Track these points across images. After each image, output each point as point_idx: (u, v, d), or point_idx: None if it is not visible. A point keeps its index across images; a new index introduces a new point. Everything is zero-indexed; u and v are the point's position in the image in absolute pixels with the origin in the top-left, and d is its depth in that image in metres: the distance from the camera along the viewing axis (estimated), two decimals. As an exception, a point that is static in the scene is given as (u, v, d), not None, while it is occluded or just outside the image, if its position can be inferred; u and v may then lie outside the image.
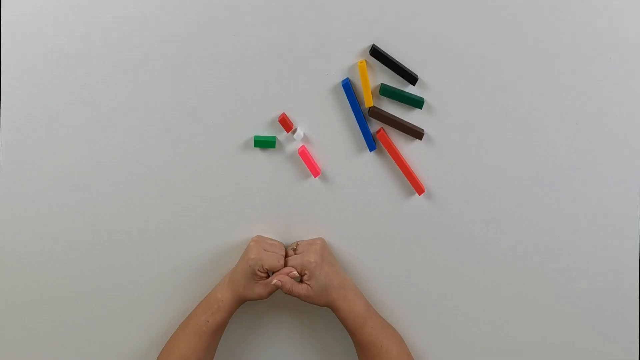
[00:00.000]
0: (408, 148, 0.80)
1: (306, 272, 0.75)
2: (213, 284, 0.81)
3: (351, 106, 0.78)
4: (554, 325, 0.85)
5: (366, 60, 0.77)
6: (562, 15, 0.76)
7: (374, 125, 0.80)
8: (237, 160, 0.81)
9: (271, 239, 0.81)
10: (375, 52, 0.76)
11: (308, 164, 0.79)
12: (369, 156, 0.80)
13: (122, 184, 0.82)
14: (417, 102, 0.78)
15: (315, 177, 0.80)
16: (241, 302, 0.78)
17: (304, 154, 0.79)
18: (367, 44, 0.77)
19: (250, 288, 0.76)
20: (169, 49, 0.78)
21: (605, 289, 0.84)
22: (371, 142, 0.79)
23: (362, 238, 0.83)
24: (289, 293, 0.76)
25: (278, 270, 0.77)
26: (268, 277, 0.77)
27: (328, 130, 0.80)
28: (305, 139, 0.80)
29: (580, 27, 0.76)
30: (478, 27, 0.76)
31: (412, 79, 0.77)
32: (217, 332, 0.78)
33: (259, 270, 0.75)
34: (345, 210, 0.82)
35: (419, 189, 0.80)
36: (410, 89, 0.78)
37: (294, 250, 0.80)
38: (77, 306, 0.86)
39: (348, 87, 0.77)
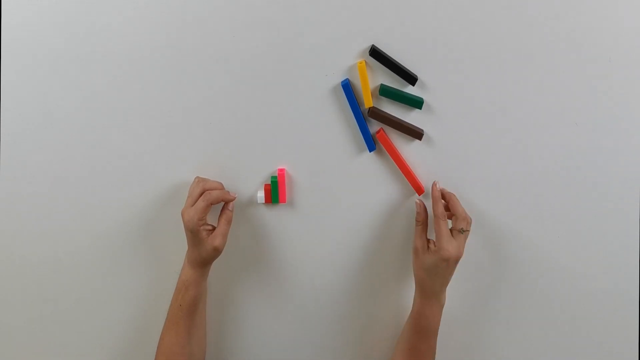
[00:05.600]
0: (408, 148, 0.80)
1: (439, 237, 0.73)
2: (216, 282, 0.82)
3: (351, 107, 0.78)
4: (554, 325, 0.85)
5: (366, 61, 0.77)
6: (561, 15, 0.76)
7: (374, 126, 0.80)
8: (233, 161, 0.81)
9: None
10: (375, 53, 0.76)
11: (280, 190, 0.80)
12: (369, 156, 0.80)
13: (122, 184, 0.82)
14: (416, 103, 0.78)
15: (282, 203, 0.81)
16: (204, 269, 0.78)
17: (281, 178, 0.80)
18: (367, 45, 0.77)
19: (202, 248, 0.75)
20: (168, 50, 0.78)
21: (605, 289, 0.84)
22: (371, 143, 0.79)
23: (362, 238, 0.83)
24: (419, 215, 0.78)
25: (209, 199, 0.74)
26: (213, 229, 0.77)
27: (328, 130, 0.80)
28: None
29: (580, 27, 0.76)
30: (478, 28, 0.76)
31: (411, 79, 0.77)
32: (193, 311, 0.78)
33: (195, 226, 0.74)
34: (344, 210, 0.82)
35: (419, 189, 0.80)
36: (409, 90, 0.78)
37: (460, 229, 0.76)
38: (76, 306, 0.86)
39: (348, 87, 0.77)
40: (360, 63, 0.76)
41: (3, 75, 0.79)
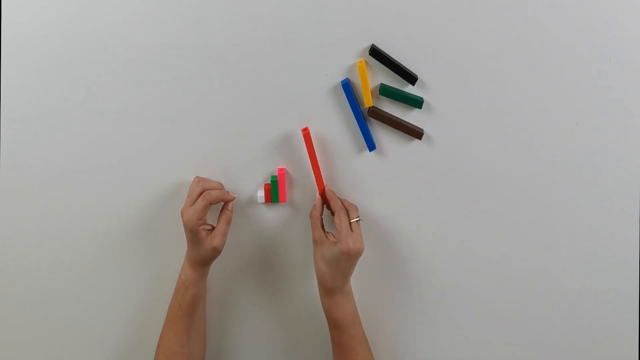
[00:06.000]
0: (408, 148, 0.80)
1: (339, 230, 0.74)
2: (216, 282, 0.81)
3: (351, 106, 0.78)
4: (554, 325, 0.85)
5: (366, 60, 0.77)
6: (561, 15, 0.76)
7: (374, 126, 0.80)
8: (234, 160, 0.81)
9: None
10: (375, 52, 0.76)
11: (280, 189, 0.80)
12: (369, 156, 0.80)
13: (122, 183, 0.82)
14: (416, 102, 0.78)
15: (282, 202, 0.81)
16: (204, 269, 0.78)
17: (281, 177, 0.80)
18: (367, 44, 0.77)
19: (201, 248, 0.75)
20: (168, 50, 0.78)
21: (605, 289, 0.83)
22: (371, 142, 0.79)
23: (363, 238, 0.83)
24: (314, 210, 0.78)
25: (209, 199, 0.75)
26: (212, 228, 0.77)
27: (328, 130, 0.80)
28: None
29: (580, 27, 0.76)
30: (478, 27, 0.76)
31: (411, 79, 0.77)
32: (193, 311, 0.78)
33: (194, 226, 0.74)
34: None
35: (320, 187, 0.80)
36: (409, 89, 0.78)
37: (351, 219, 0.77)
38: (76, 306, 0.86)
39: (348, 87, 0.77)
40: (360, 62, 0.76)
41: (3, 75, 0.80)
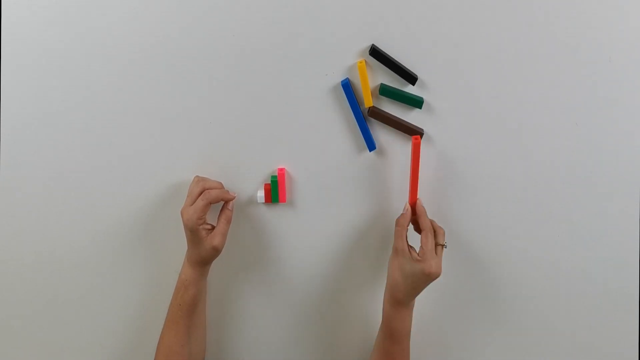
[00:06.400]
0: (408, 148, 0.80)
1: (424, 251, 0.73)
2: (216, 282, 0.81)
3: (351, 106, 0.78)
4: (554, 324, 0.85)
5: (365, 60, 0.77)
6: (561, 15, 0.76)
7: (374, 125, 0.80)
8: (234, 160, 0.81)
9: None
10: (375, 52, 0.76)
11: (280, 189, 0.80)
12: (369, 156, 0.80)
13: (122, 183, 0.82)
14: (416, 102, 0.78)
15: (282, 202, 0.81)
16: (204, 269, 0.78)
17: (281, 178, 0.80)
18: (367, 44, 0.77)
19: (201, 247, 0.75)
20: (168, 49, 0.78)
21: (605, 289, 0.83)
22: (371, 142, 0.79)
23: (362, 237, 0.83)
24: (402, 218, 0.77)
25: (206, 198, 0.74)
26: (212, 228, 0.77)
27: (328, 129, 0.80)
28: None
29: (580, 27, 0.76)
30: (478, 27, 0.76)
31: (411, 79, 0.77)
32: (192, 311, 0.78)
33: (194, 225, 0.74)
34: (345, 210, 0.82)
35: (413, 199, 0.79)
36: (409, 89, 0.78)
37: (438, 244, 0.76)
38: (76, 305, 0.86)
39: (348, 87, 0.77)
40: (360, 62, 0.76)
41: (3, 75, 0.80)
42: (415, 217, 0.79)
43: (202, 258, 0.76)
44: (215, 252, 0.76)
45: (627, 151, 0.79)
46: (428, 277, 0.73)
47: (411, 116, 0.79)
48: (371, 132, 0.79)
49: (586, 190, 0.81)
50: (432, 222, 0.78)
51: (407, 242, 0.76)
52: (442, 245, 0.76)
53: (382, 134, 0.80)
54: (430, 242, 0.74)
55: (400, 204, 0.81)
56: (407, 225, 0.77)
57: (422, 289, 0.75)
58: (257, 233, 0.83)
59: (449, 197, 0.81)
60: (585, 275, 0.83)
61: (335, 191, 0.81)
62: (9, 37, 0.78)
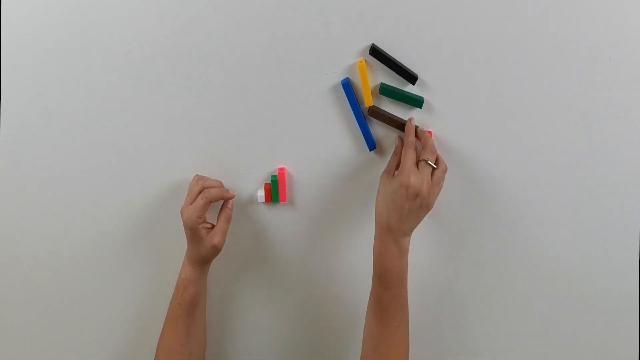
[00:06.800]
0: (408, 148, 0.80)
1: (402, 164, 0.71)
2: (216, 281, 0.81)
3: (351, 106, 0.78)
4: (554, 324, 0.85)
5: (366, 60, 0.77)
6: (561, 14, 0.76)
7: (374, 125, 0.80)
8: (234, 159, 0.81)
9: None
10: (375, 52, 0.76)
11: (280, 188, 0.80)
12: (369, 155, 0.80)
13: (122, 182, 0.82)
14: (417, 102, 0.78)
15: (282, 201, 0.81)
16: (204, 267, 0.78)
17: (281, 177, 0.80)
18: (367, 44, 0.77)
19: (201, 246, 0.75)
20: (168, 49, 0.78)
21: (605, 289, 0.83)
22: (371, 142, 0.79)
23: (362, 236, 0.83)
24: (397, 149, 0.76)
25: (207, 196, 0.74)
26: (212, 227, 0.77)
27: (328, 129, 0.80)
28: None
29: (580, 26, 0.76)
30: (478, 27, 0.76)
31: (411, 78, 0.77)
32: (193, 310, 0.77)
33: (194, 224, 0.74)
34: (345, 209, 0.82)
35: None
36: (410, 89, 0.78)
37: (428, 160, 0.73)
38: (77, 305, 0.86)
39: (348, 86, 0.77)
40: (360, 62, 0.76)
41: (3, 75, 0.80)
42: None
43: (202, 257, 0.76)
44: (215, 251, 0.76)
45: (627, 151, 0.79)
46: (407, 190, 0.69)
47: (411, 116, 0.79)
48: (371, 131, 0.79)
49: (586, 189, 0.81)
50: (425, 138, 0.76)
51: (395, 167, 0.75)
52: (425, 161, 0.72)
53: (382, 134, 0.80)
54: (410, 156, 0.72)
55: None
56: (399, 156, 0.76)
57: (407, 211, 0.71)
58: (257, 232, 0.83)
59: (448, 197, 0.81)
60: (585, 275, 0.83)
61: (335, 191, 0.81)
62: (9, 37, 0.78)
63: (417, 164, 0.73)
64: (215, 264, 0.80)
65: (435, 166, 0.74)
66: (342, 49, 0.77)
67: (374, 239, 0.74)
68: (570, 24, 0.76)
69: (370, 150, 0.80)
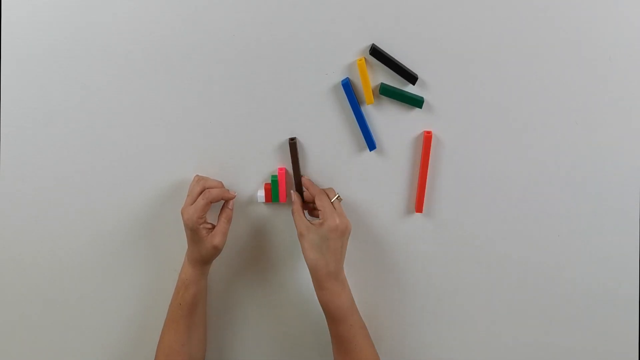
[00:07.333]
0: (408, 148, 0.80)
1: (323, 211, 0.74)
2: (216, 281, 0.81)
3: (351, 106, 0.78)
4: (554, 325, 0.85)
5: (365, 58, 0.77)
6: (561, 14, 0.76)
7: (374, 125, 0.79)
8: (234, 160, 0.81)
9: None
10: (375, 52, 0.76)
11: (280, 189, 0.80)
12: (370, 155, 0.80)
13: (122, 182, 0.82)
14: (417, 102, 0.78)
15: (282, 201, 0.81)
16: (204, 268, 0.78)
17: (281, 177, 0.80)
18: (367, 44, 0.77)
19: (202, 246, 0.75)
20: (168, 49, 0.78)
21: (605, 288, 0.83)
22: (371, 142, 0.79)
23: (362, 237, 0.83)
24: (294, 204, 0.78)
25: (207, 198, 0.75)
26: (212, 227, 0.77)
27: (328, 129, 0.80)
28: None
29: (580, 26, 0.76)
30: (478, 27, 0.76)
31: (412, 78, 0.77)
32: (193, 310, 0.78)
33: (195, 224, 0.74)
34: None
35: (419, 208, 0.80)
36: (410, 89, 0.78)
37: (332, 198, 0.77)
38: (76, 305, 0.86)
39: (348, 86, 0.77)
40: (360, 60, 0.76)
41: (3, 75, 0.80)
42: (306, 203, 0.80)
43: (202, 257, 0.76)
44: (216, 251, 0.76)
45: (627, 151, 0.79)
46: (336, 232, 0.73)
47: (411, 116, 0.79)
48: (371, 131, 0.79)
49: (586, 189, 0.81)
50: (309, 183, 0.80)
51: (305, 219, 0.76)
52: (337, 198, 0.77)
53: (382, 134, 0.80)
54: (326, 200, 0.75)
55: (400, 204, 0.81)
56: (301, 207, 0.78)
57: (340, 250, 0.74)
58: (257, 232, 0.84)
59: (448, 196, 0.81)
60: (585, 275, 0.83)
61: (336, 190, 0.81)
62: (9, 37, 0.78)
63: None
64: (215, 264, 0.80)
65: (342, 198, 0.79)
66: (342, 48, 0.77)
67: (316, 290, 0.76)
68: (570, 24, 0.76)
69: (370, 150, 0.80)
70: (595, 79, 0.77)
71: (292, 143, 0.78)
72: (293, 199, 0.79)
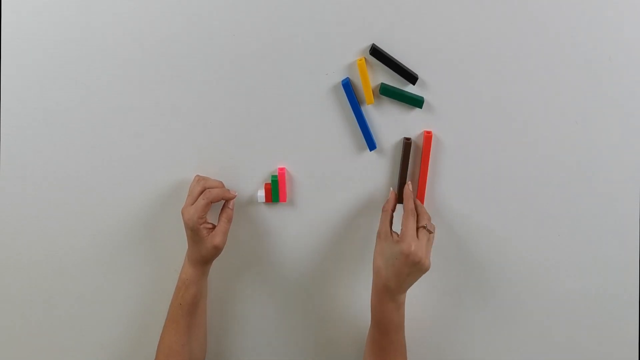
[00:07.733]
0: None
1: (404, 231, 0.71)
2: (216, 281, 0.81)
3: (351, 106, 0.78)
4: (554, 325, 0.85)
5: (365, 58, 0.77)
6: (561, 14, 0.76)
7: (375, 125, 0.79)
8: (234, 160, 0.81)
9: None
10: (375, 52, 0.76)
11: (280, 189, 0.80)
12: (370, 155, 0.80)
13: (122, 182, 0.82)
14: (417, 102, 0.78)
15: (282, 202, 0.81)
16: (205, 268, 0.78)
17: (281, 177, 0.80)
18: (367, 44, 0.77)
19: (202, 246, 0.75)
20: (168, 49, 0.78)
21: (605, 289, 0.84)
22: (371, 142, 0.79)
23: (362, 237, 0.83)
24: (387, 203, 0.77)
25: (208, 198, 0.74)
26: (213, 227, 0.77)
27: (328, 129, 0.80)
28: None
29: (580, 26, 0.76)
30: (478, 27, 0.76)
31: (412, 78, 0.77)
32: (193, 310, 0.78)
33: (195, 224, 0.74)
34: (345, 209, 0.82)
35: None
36: (410, 89, 0.78)
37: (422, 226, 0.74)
38: (77, 305, 0.86)
39: (348, 86, 0.77)
40: (360, 60, 0.76)
41: (3, 75, 0.80)
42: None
43: (202, 257, 0.76)
44: (216, 251, 0.76)
45: (627, 150, 0.79)
46: (407, 258, 0.70)
47: (411, 116, 0.79)
48: (371, 131, 0.79)
49: (586, 189, 0.81)
50: (418, 205, 0.77)
51: (390, 227, 0.76)
52: (424, 228, 0.73)
53: (382, 134, 0.80)
54: (412, 223, 0.73)
55: (400, 204, 0.81)
56: (392, 211, 0.77)
57: (406, 276, 0.71)
58: (258, 232, 0.83)
59: (449, 196, 0.81)
60: (585, 275, 0.83)
61: (336, 191, 0.81)
62: (9, 37, 0.78)
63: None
64: (215, 264, 0.80)
65: (432, 231, 0.75)
66: (342, 48, 0.77)
67: (372, 290, 0.75)
68: (570, 24, 0.76)
69: (370, 150, 0.80)
70: (595, 79, 0.77)
71: (407, 143, 0.77)
72: (389, 197, 0.79)
